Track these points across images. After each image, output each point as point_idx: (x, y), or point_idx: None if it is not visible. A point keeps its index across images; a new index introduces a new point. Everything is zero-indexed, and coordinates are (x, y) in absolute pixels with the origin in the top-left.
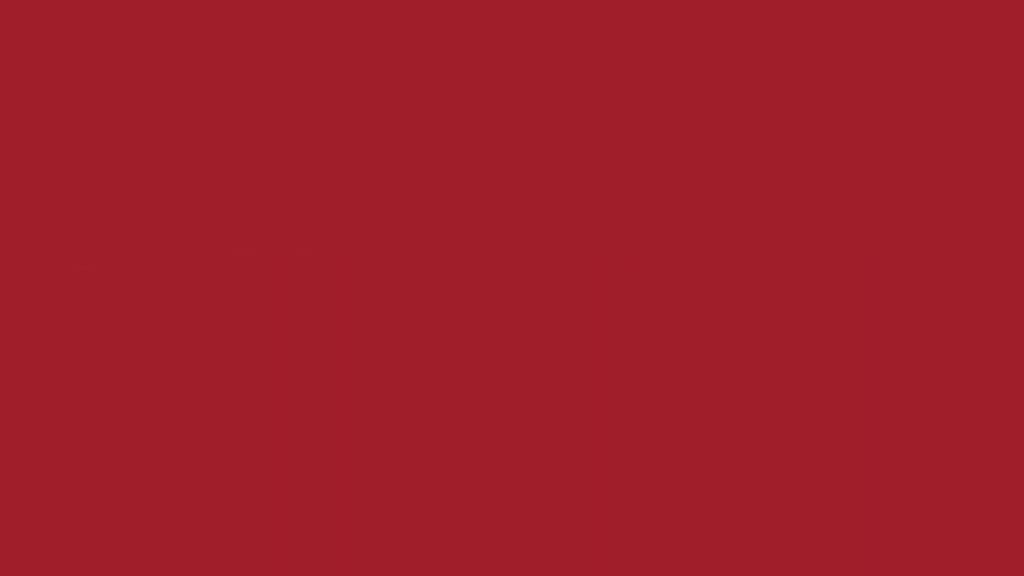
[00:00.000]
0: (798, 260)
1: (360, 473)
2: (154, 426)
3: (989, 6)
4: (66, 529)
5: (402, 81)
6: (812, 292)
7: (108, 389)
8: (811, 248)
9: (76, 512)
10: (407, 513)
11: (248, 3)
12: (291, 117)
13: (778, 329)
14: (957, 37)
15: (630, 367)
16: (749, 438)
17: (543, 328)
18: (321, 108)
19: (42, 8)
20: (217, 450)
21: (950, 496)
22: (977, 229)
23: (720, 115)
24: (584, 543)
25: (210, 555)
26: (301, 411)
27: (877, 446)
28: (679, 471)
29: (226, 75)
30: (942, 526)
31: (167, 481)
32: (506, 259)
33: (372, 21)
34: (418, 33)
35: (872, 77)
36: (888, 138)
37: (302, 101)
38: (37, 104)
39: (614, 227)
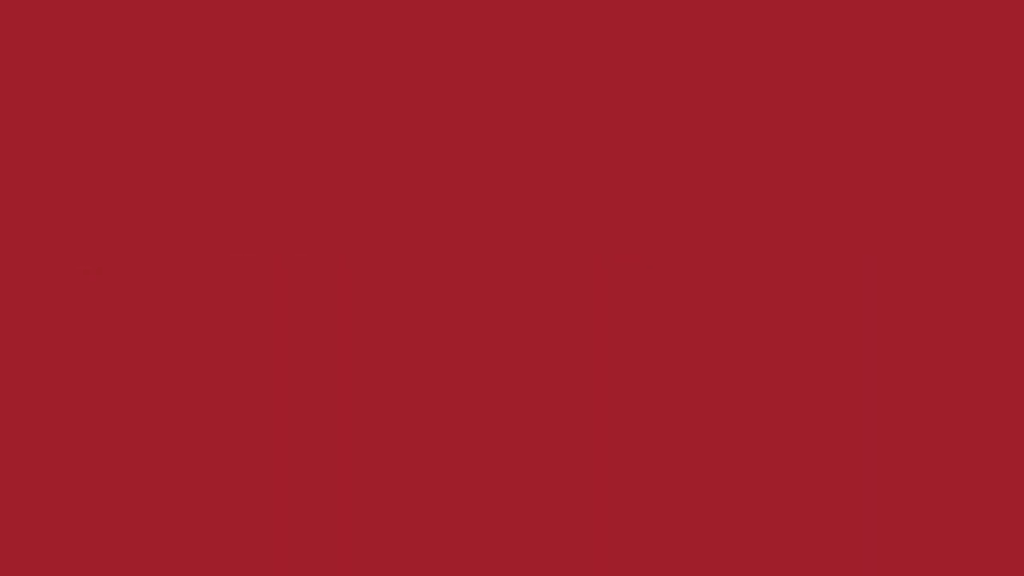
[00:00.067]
0: (798, 260)
1: (360, 473)
2: (154, 426)
3: (989, 6)
4: (66, 529)
5: (402, 81)
6: (812, 292)
7: (108, 389)
8: (811, 248)
9: (76, 512)
10: (407, 513)
11: (248, 3)
12: (291, 117)
13: (778, 329)
14: (957, 37)
15: (630, 367)
16: (749, 438)
17: (543, 328)
18: (321, 108)
19: (42, 8)
20: (217, 450)
21: (950, 496)
22: (977, 229)
23: (720, 115)
24: (584, 543)
25: (210, 555)
26: (301, 410)
27: (877, 446)
28: (679, 471)
29: (226, 75)
30: (942, 526)
31: (167, 481)
32: (506, 259)
33: (372, 21)
34: (418, 33)
35: (872, 77)
36: (888, 138)
37: (302, 101)
38: (37, 104)
39: (614, 227)
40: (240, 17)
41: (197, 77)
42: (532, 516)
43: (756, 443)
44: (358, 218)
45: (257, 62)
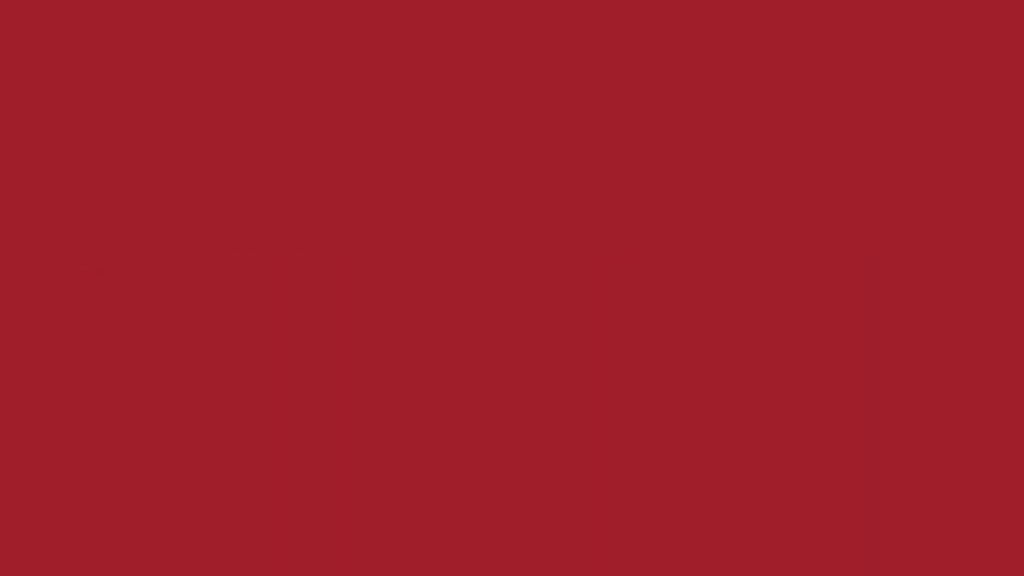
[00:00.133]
0: (798, 260)
1: (360, 473)
2: (154, 426)
3: (989, 6)
4: (66, 529)
5: (402, 81)
6: (812, 292)
7: (108, 389)
8: (811, 248)
9: (76, 512)
10: (407, 513)
11: (248, 3)
12: (291, 117)
13: (778, 329)
14: (957, 37)
15: (630, 367)
16: (749, 438)
17: (543, 327)
18: (321, 108)
19: (42, 8)
20: (217, 449)
21: (950, 496)
22: (977, 229)
23: (720, 115)
24: (584, 543)
25: (210, 555)
26: (301, 410)
27: (877, 446)
28: (679, 470)
29: (226, 75)
30: (942, 526)
31: (167, 480)
32: (506, 259)
33: (372, 21)
34: (418, 33)
35: (872, 77)
36: (888, 138)
37: (302, 101)
38: (37, 104)
39: (614, 227)
40: (240, 17)
41: (197, 77)
42: (532, 516)
43: (756, 443)
44: (358, 218)
45: (257, 62)
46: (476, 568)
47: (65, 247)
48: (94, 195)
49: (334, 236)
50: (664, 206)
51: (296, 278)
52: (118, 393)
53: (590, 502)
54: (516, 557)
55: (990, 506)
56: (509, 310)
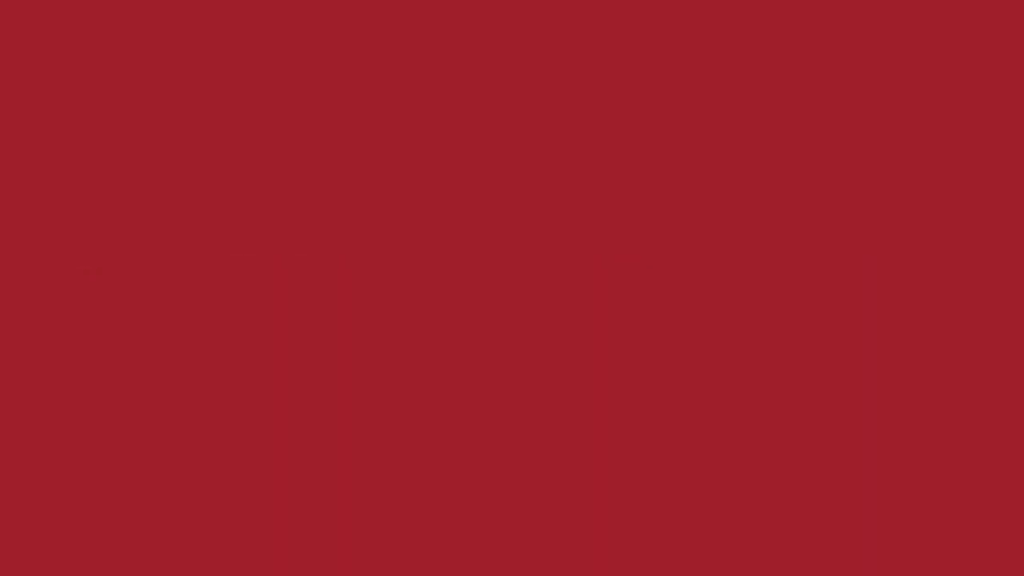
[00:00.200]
0: (798, 260)
1: (360, 473)
2: (154, 426)
3: (989, 6)
4: (66, 529)
5: (402, 81)
6: (812, 292)
7: (108, 389)
8: (811, 248)
9: (76, 512)
10: (407, 513)
11: (248, 3)
12: (291, 117)
13: (778, 329)
14: (957, 37)
15: (630, 367)
16: (749, 438)
17: (543, 327)
18: (321, 108)
19: (42, 8)
20: (217, 450)
21: (950, 496)
22: (977, 229)
23: (720, 115)
24: (584, 543)
25: (210, 555)
26: (301, 410)
27: (877, 446)
28: (679, 471)
29: (226, 75)
30: (942, 526)
31: (167, 481)
32: (506, 259)
33: (372, 21)
34: (418, 33)
35: (872, 77)
36: (888, 138)
37: (302, 101)
38: (37, 104)
39: (614, 227)
40: (240, 17)
41: (197, 77)
42: (532, 516)
43: (756, 443)
44: (358, 218)
45: (257, 62)
46: (476, 568)
47: (65, 247)
48: (94, 195)
49: (334, 236)
50: (664, 206)
51: (296, 278)
52: (118, 393)
53: (590, 502)
54: (516, 557)
55: (990, 506)
56: (509, 310)
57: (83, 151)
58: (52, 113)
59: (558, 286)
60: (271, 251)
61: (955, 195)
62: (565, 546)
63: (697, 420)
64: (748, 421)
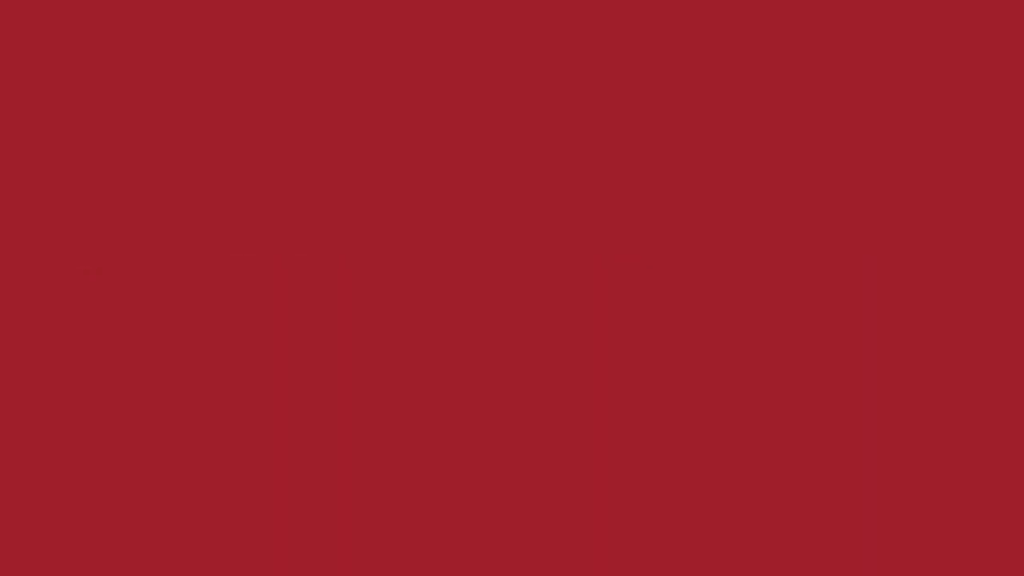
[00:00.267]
0: (798, 260)
1: (360, 473)
2: (154, 426)
3: (989, 6)
4: (66, 529)
5: (402, 81)
6: (812, 292)
7: (108, 389)
8: (811, 248)
9: (76, 512)
10: (407, 513)
11: (248, 3)
12: (291, 117)
13: (778, 329)
14: (957, 37)
15: (630, 367)
16: (749, 438)
17: (543, 328)
18: (321, 108)
19: (42, 8)
20: (217, 450)
21: (950, 496)
22: (977, 229)
23: (720, 115)
24: (584, 543)
25: (210, 555)
26: (301, 411)
27: (877, 446)
28: (679, 471)
29: (226, 75)
30: (942, 526)
31: (167, 481)
32: (506, 259)
33: (372, 21)
34: (418, 33)
35: (872, 77)
36: (888, 138)
37: (302, 101)
38: (37, 104)
39: (614, 227)
40: (240, 17)
41: (197, 77)
42: (532, 516)
43: (756, 443)
44: (358, 218)
45: (257, 62)
46: (476, 568)
47: (65, 247)
48: (94, 195)
49: (334, 236)
50: (664, 206)
51: (296, 278)
52: (118, 393)
53: (590, 502)
54: (516, 557)
55: (990, 506)
56: (509, 310)
57: (83, 151)
58: (52, 113)
59: (558, 286)
60: (271, 251)
61: (955, 195)
62: (565, 546)
63: (697, 420)
64: (748, 421)
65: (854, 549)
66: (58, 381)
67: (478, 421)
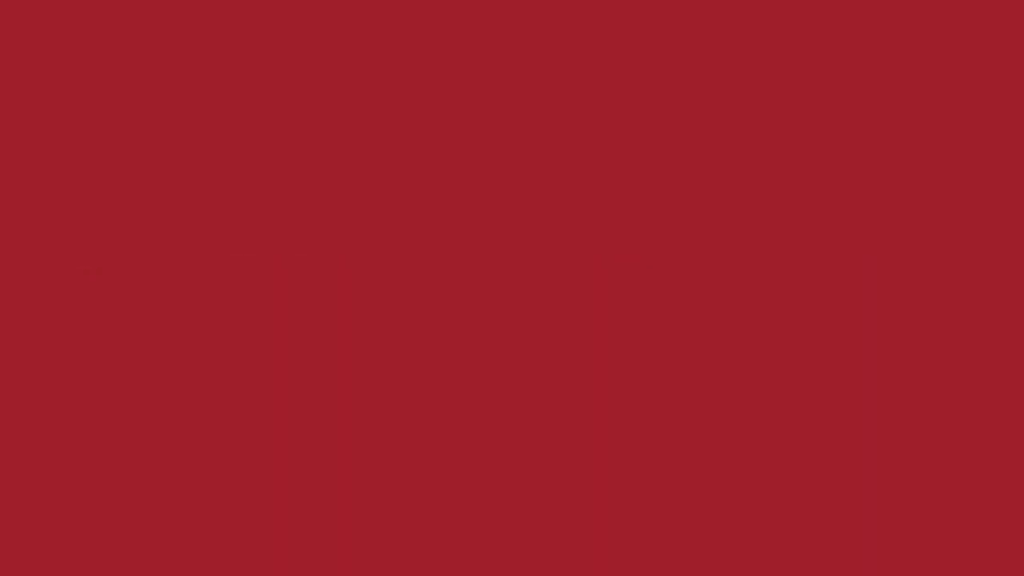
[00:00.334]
0: (798, 260)
1: (360, 473)
2: (154, 426)
3: (989, 6)
4: (66, 529)
5: (402, 81)
6: (812, 292)
7: (108, 389)
8: (811, 248)
9: (76, 512)
10: (407, 513)
11: (248, 3)
12: (291, 117)
13: (778, 329)
14: (957, 37)
15: (630, 367)
16: (749, 438)
17: (543, 328)
18: (321, 108)
19: (42, 8)
20: (217, 450)
21: (950, 496)
22: (977, 229)
23: (720, 115)
24: (584, 543)
25: (210, 555)
26: (301, 411)
27: (877, 446)
28: (679, 471)
29: (226, 75)
30: (942, 526)
31: (167, 481)
32: (506, 259)
33: (372, 21)
34: (418, 33)
35: (872, 77)
36: (888, 138)
37: (302, 101)
38: (37, 104)
39: (614, 227)
40: (240, 17)
41: (197, 77)
42: (532, 516)
43: (756, 443)
44: (358, 218)
45: (257, 62)
46: (476, 568)
47: (65, 247)
48: (94, 195)
49: (334, 236)
50: (664, 206)
51: (296, 278)
52: (118, 393)
53: (590, 502)
54: (516, 557)
55: (990, 506)
56: (509, 310)
57: (83, 151)
58: (52, 113)
59: (558, 286)
60: (271, 251)
61: (955, 195)
62: (565, 546)
63: (697, 420)
64: (748, 421)
65: (854, 549)
66: (58, 381)
67: (478, 421)
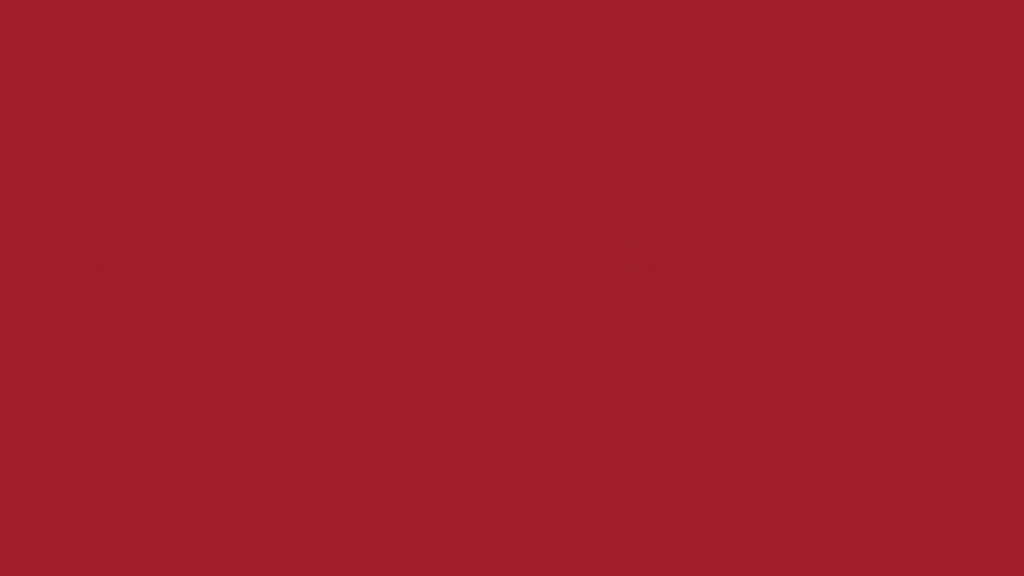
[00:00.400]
0: (798, 260)
1: (360, 473)
2: (154, 426)
3: (989, 6)
4: (66, 529)
5: (402, 81)
6: (812, 292)
7: (108, 389)
8: (811, 248)
9: (76, 512)
10: (407, 513)
11: (248, 3)
12: (291, 117)
13: (778, 329)
14: (957, 37)
15: (630, 367)
16: (749, 438)
17: (543, 328)
18: (321, 108)
19: (42, 8)
20: (217, 450)
21: (950, 496)
22: (977, 229)
23: (720, 115)
24: (584, 543)
25: (210, 555)
26: (301, 411)
27: (877, 446)
28: (679, 471)
29: (226, 75)
30: (942, 526)
31: (167, 481)
32: (506, 259)
33: (372, 21)
34: (418, 33)
35: (872, 77)
36: (888, 138)
37: (302, 101)
38: (37, 104)
39: (614, 227)
40: (240, 17)
41: (197, 77)
42: (532, 516)
43: (756, 443)
44: (358, 218)
45: (257, 62)
46: (476, 568)
47: (65, 247)
48: (94, 195)
49: (334, 236)
50: (664, 206)
51: (296, 278)
52: (118, 393)
53: (590, 502)
54: (516, 557)
55: (990, 506)
56: (509, 310)
57: (83, 151)
58: (52, 113)
59: (558, 286)
60: (271, 251)
61: (955, 195)
62: (565, 546)
63: (697, 419)
64: (748, 421)
65: (854, 549)
66: (58, 381)
67: (478, 421)
